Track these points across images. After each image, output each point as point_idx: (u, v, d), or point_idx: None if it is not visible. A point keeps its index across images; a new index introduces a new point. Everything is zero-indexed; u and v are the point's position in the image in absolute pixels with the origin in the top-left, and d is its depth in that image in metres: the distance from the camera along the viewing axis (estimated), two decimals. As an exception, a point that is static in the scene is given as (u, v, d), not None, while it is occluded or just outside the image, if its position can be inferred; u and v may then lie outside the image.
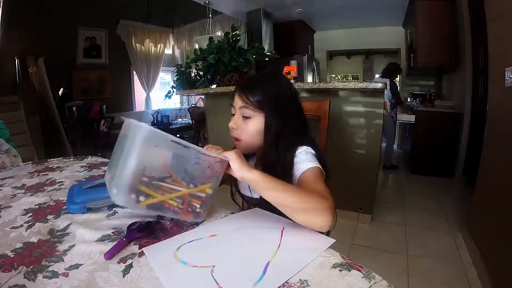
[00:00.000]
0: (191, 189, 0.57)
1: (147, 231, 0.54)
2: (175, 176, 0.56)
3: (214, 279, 0.40)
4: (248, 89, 0.71)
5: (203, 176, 0.58)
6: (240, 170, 0.55)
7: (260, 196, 0.71)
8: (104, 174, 0.95)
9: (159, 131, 0.50)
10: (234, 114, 0.74)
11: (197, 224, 0.59)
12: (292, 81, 2.24)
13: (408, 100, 4.14)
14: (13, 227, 0.58)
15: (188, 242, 0.51)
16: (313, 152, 0.70)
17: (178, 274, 0.42)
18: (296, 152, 0.69)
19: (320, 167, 0.66)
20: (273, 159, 0.69)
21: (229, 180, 0.83)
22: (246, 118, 0.71)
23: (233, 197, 0.84)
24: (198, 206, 0.58)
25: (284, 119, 0.69)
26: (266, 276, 0.41)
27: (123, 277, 0.42)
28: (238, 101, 0.72)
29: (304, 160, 0.67)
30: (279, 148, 0.69)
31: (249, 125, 0.71)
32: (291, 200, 0.53)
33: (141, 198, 0.50)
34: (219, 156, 0.57)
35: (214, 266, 0.43)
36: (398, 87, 3.30)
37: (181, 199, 0.56)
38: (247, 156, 0.79)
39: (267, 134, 0.70)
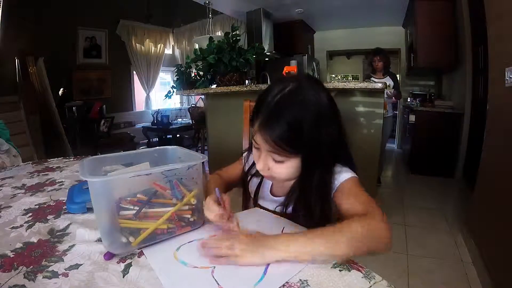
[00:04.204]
0: (176, 206, 0.53)
1: (147, 231, 0.54)
2: (162, 187, 0.55)
3: (215, 280, 0.40)
4: (275, 129, 0.52)
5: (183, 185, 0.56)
6: (259, 260, 0.44)
7: (283, 210, 0.64)
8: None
9: (113, 178, 0.49)
10: (257, 148, 0.59)
11: (197, 224, 0.59)
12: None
13: (408, 100, 4.14)
14: (13, 227, 0.58)
15: (188, 242, 0.51)
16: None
17: (178, 275, 0.42)
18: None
19: (356, 175, 0.60)
20: (309, 189, 0.58)
21: (241, 183, 0.78)
22: (278, 161, 0.57)
23: (247, 206, 0.77)
24: (189, 216, 0.55)
25: (327, 150, 0.56)
26: (267, 276, 0.41)
27: (123, 277, 0.42)
28: (263, 144, 0.55)
29: (340, 170, 0.60)
30: (315, 175, 0.57)
31: (283, 168, 0.57)
32: (346, 243, 0.44)
33: (131, 239, 0.47)
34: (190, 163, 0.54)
35: (214, 266, 0.43)
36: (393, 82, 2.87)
37: (169, 220, 0.52)
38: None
39: (306, 174, 0.58)
